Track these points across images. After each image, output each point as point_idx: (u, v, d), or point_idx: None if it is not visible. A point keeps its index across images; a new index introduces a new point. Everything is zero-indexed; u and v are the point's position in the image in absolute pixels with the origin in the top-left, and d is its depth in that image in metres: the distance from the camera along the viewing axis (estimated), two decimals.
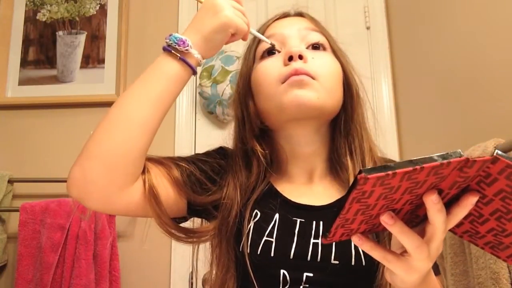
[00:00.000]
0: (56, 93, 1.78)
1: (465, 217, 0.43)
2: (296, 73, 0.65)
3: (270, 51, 0.71)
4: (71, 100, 1.75)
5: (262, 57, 0.72)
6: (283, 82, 0.66)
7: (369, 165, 0.69)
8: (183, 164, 0.68)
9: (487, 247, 0.46)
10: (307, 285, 0.62)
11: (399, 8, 1.75)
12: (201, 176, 0.69)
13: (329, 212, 0.66)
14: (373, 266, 0.61)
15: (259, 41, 0.73)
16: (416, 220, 0.45)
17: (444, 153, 0.37)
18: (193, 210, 0.70)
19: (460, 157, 0.37)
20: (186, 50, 0.62)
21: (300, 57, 0.67)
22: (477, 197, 0.41)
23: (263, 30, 0.74)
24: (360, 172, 0.37)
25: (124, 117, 0.61)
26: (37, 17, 1.86)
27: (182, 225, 0.70)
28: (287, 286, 0.62)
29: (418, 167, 0.36)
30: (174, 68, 0.63)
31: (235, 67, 1.63)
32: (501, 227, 0.43)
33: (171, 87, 0.63)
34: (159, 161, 0.68)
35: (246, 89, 0.73)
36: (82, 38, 1.82)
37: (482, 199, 0.41)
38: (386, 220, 0.42)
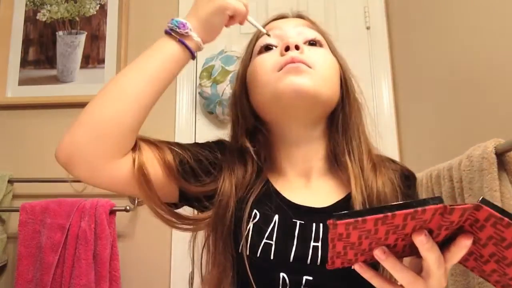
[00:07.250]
0: (56, 93, 1.78)
1: (469, 254, 0.42)
2: (293, 60, 0.66)
3: (267, 47, 0.71)
4: (71, 100, 1.75)
5: (259, 52, 0.72)
6: (279, 70, 0.67)
7: (367, 164, 0.69)
8: (178, 150, 0.69)
9: (498, 286, 0.45)
10: None
11: (399, 8, 1.75)
12: (195, 165, 0.69)
13: (328, 215, 0.66)
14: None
15: (256, 40, 0.74)
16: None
17: (423, 199, 0.36)
18: (184, 198, 0.69)
19: (437, 204, 0.36)
20: (186, 33, 0.64)
21: (297, 47, 0.67)
22: (471, 240, 0.40)
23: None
24: (332, 216, 0.37)
25: (118, 90, 0.63)
26: (37, 17, 1.86)
27: None
28: None
29: (389, 214, 0.36)
30: (172, 48, 0.65)
31: (235, 67, 1.63)
32: (502, 270, 0.42)
33: (167, 65, 0.64)
34: (153, 143, 0.68)
35: (241, 86, 0.73)
36: (82, 38, 1.83)
37: (478, 240, 0.40)
38: (378, 255, 0.42)
